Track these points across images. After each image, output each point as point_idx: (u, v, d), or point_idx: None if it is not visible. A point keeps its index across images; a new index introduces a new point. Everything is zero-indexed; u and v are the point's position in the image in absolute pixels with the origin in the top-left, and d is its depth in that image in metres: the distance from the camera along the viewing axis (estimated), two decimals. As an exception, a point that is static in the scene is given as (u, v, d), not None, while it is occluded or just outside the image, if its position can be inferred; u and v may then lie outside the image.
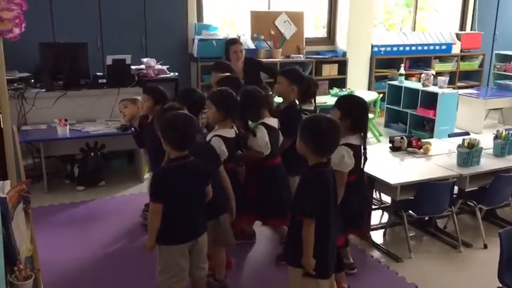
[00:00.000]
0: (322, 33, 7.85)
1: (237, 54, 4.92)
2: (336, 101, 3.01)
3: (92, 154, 4.70)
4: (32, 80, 5.04)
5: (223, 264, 3.09)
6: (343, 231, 2.98)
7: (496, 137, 4.10)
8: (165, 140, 2.48)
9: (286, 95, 3.60)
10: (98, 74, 5.23)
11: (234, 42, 5.02)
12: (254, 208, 3.33)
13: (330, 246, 2.36)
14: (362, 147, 2.92)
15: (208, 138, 3.03)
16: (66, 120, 4.68)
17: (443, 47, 8.28)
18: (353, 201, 2.97)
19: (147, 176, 4.88)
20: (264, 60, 6.75)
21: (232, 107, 3.05)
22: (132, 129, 4.03)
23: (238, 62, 4.87)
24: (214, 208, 2.83)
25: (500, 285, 2.58)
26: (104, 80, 5.15)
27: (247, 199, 3.30)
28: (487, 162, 3.88)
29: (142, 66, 5.53)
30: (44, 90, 4.92)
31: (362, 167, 2.99)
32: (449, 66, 8.36)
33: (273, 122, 3.33)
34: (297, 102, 3.67)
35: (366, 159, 2.97)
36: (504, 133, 4.07)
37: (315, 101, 3.80)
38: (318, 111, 3.72)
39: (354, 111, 2.90)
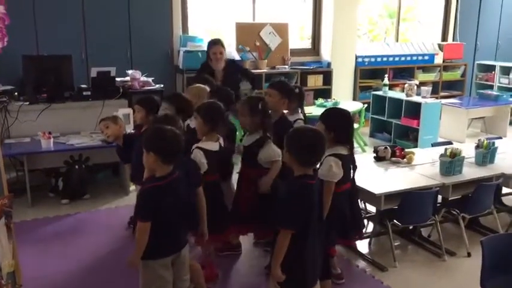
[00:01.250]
0: (307, 44, 7.93)
1: (216, 55, 4.90)
2: (321, 114, 3.05)
3: (77, 167, 4.67)
4: (16, 93, 5.01)
5: (201, 277, 3.02)
6: (334, 241, 3.00)
7: (477, 146, 4.16)
8: (154, 152, 2.40)
9: (277, 107, 3.56)
10: (83, 86, 5.21)
11: (214, 43, 5.01)
12: (251, 220, 3.30)
13: (308, 259, 2.36)
14: (350, 157, 2.97)
15: (192, 149, 3.04)
16: (50, 133, 4.64)
17: (426, 58, 8.41)
18: (346, 210, 3.01)
19: (133, 188, 4.85)
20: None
21: (219, 120, 3.06)
22: (116, 144, 4.03)
23: (218, 64, 4.87)
24: None
25: (483, 293, 2.61)
26: (89, 93, 5.13)
27: (242, 210, 3.30)
28: (469, 171, 3.93)
29: (127, 78, 5.53)
30: (28, 103, 4.89)
31: (353, 175, 3.02)
32: (432, 76, 8.48)
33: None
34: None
35: (355, 167, 3.03)
36: (485, 142, 4.14)
37: (302, 110, 3.84)
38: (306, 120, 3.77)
39: (337, 124, 2.95)
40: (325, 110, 3.13)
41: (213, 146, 3.05)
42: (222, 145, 3.16)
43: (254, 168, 3.24)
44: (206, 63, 4.93)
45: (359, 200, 3.89)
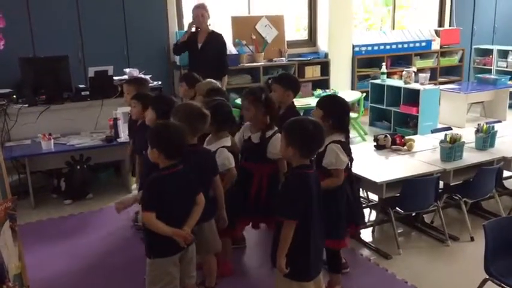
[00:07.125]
0: (303, 35, 7.91)
1: (198, 18, 5.31)
2: (318, 101, 3.04)
3: (78, 167, 4.68)
4: (14, 96, 5.01)
5: (213, 272, 3.08)
6: (341, 234, 3.00)
7: (477, 131, 4.17)
8: (157, 149, 2.44)
9: (283, 101, 3.54)
10: (81, 86, 5.21)
11: (196, 7, 5.42)
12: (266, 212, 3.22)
13: (312, 249, 2.37)
14: (347, 145, 2.97)
15: (213, 149, 3.01)
16: (50, 134, 4.65)
17: (423, 44, 8.38)
18: (350, 198, 3.01)
19: (134, 186, 4.86)
20: (246, 64, 6.84)
21: (226, 121, 3.06)
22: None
23: (202, 26, 5.35)
24: None
25: (487, 277, 2.63)
26: (87, 92, 5.13)
27: (253, 204, 3.24)
28: (470, 156, 3.94)
29: (125, 77, 5.51)
30: (27, 105, 4.89)
31: (350, 166, 3.02)
32: (429, 63, 8.46)
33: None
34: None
35: (351, 158, 3.01)
36: (485, 126, 4.14)
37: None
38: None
39: (335, 111, 2.93)
40: (322, 97, 3.13)
41: (228, 142, 3.08)
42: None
43: (268, 164, 3.20)
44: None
45: (360, 189, 3.93)
